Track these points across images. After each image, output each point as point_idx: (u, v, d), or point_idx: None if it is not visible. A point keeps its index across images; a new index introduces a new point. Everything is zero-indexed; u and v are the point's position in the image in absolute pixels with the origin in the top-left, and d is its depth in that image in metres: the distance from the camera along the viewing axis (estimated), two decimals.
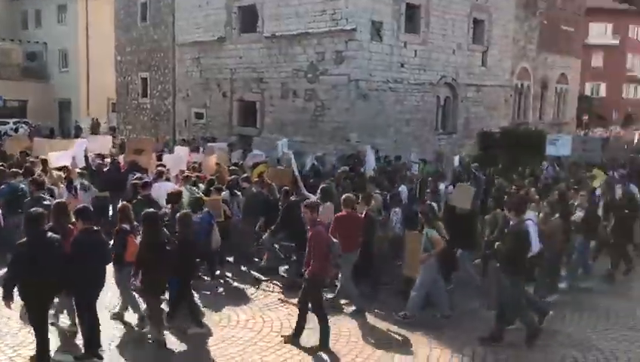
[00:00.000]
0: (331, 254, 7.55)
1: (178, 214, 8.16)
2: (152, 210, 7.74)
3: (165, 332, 7.46)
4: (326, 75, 20.00)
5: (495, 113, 26.13)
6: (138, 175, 11.93)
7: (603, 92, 56.23)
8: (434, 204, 9.62)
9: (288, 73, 21.06)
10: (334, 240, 7.78)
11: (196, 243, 8.24)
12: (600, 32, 55.45)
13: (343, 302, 8.95)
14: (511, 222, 7.79)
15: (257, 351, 7.30)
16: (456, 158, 17.64)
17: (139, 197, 9.88)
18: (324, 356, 7.20)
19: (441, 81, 22.90)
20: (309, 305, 7.46)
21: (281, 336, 7.60)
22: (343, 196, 9.07)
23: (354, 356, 7.23)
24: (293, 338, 7.47)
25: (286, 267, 10.58)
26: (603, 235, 10.87)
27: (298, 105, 20.90)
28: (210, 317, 8.33)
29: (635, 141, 28.09)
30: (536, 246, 7.93)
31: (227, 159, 15.78)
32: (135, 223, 7.90)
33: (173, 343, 7.42)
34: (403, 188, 12.16)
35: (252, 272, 10.42)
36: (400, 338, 7.83)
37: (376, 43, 19.91)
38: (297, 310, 7.65)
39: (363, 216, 9.10)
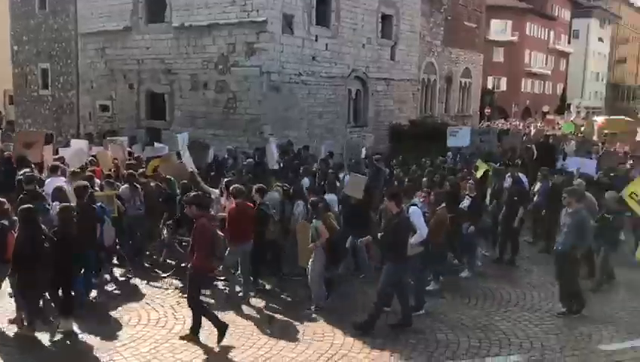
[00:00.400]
0: (216, 247, 7.41)
1: (57, 208, 7.77)
2: (28, 205, 7.26)
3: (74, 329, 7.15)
4: (237, 67, 19.79)
5: (404, 106, 26.91)
6: (27, 170, 11.17)
7: (504, 86, 59.21)
8: (333, 196, 9.87)
9: (198, 64, 20.64)
10: (219, 233, 7.71)
11: (78, 238, 7.68)
12: (500, 29, 58.32)
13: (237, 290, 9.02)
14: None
15: (170, 349, 7.14)
16: (363, 150, 17.99)
17: (24, 192, 9.33)
18: (236, 352, 7.16)
19: (352, 75, 23.29)
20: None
21: (180, 337, 7.42)
22: (232, 187, 9.05)
23: (257, 349, 7.25)
24: (193, 336, 7.31)
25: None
26: (488, 222, 11.33)
27: (209, 98, 20.55)
28: (120, 317, 8.09)
29: (532, 133, 29.84)
30: (424, 230, 8.17)
31: (124, 153, 15.23)
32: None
33: (82, 343, 7.14)
34: (305, 181, 12.19)
35: (157, 270, 10.13)
36: (308, 328, 7.92)
37: (287, 35, 19.92)
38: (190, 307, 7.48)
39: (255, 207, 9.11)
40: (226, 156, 16.53)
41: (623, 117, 30.66)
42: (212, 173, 12.96)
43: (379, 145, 24.24)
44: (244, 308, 8.61)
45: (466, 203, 10.46)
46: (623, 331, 7.95)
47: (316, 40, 21.17)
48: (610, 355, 7.16)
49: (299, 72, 20.60)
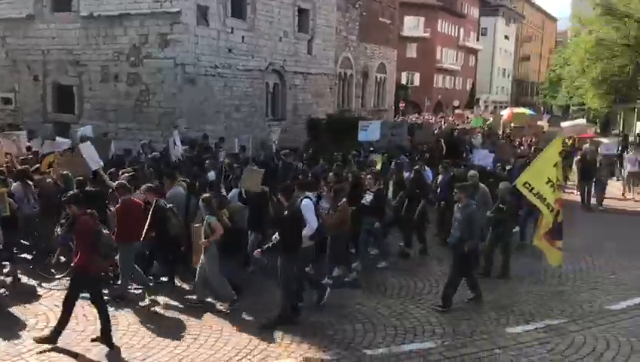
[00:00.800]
0: (99, 246, 7.12)
1: None
2: None
3: None
4: (151, 59, 19.19)
5: (321, 100, 27.10)
6: None
7: (417, 81, 60.97)
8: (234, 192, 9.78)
9: (109, 56, 19.83)
10: (105, 231, 7.49)
11: None
12: (413, 25, 59.98)
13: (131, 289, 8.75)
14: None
15: (83, 351, 6.86)
16: (274, 145, 17.93)
17: None
18: (152, 352, 6.98)
19: (270, 68, 23.18)
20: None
21: (92, 339, 7.14)
22: (116, 184, 8.76)
23: (173, 348, 7.11)
24: (103, 338, 7.03)
25: None
26: (390, 215, 11.44)
27: (121, 90, 19.81)
28: (26, 320, 7.71)
29: (443, 126, 30.98)
30: (313, 223, 8.24)
31: (19, 148, 14.41)
32: None
33: None
34: (211, 175, 11.99)
35: (53, 271, 9.63)
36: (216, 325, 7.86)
37: (202, 27, 19.53)
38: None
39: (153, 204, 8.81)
40: (140, 151, 16.04)
41: (526, 110, 32.34)
42: (112, 170, 12.25)
43: (299, 139, 24.40)
44: (156, 307, 8.38)
45: (368, 198, 10.40)
46: (527, 314, 8.42)
47: (232, 32, 20.89)
48: (516, 337, 7.55)
49: (215, 65, 20.26)
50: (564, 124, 28.17)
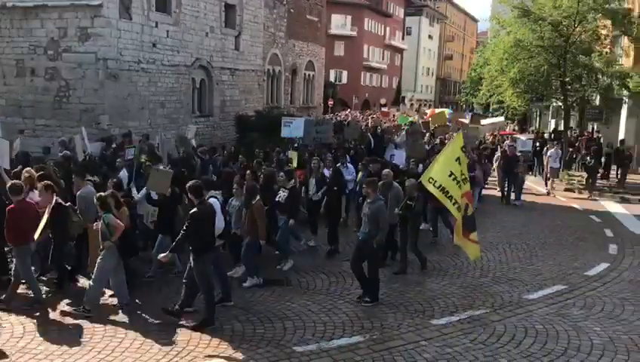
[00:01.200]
0: None
1: None
2: None
3: None
4: (70, 53, 18.38)
5: (250, 97, 26.91)
6: None
7: (345, 79, 61.64)
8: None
9: (24, 49, 18.84)
10: None
11: None
12: (341, 24, 60.57)
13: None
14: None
15: None
16: (194, 141, 17.61)
17: None
18: (74, 358, 6.72)
19: (196, 64, 22.78)
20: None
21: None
22: (8, 185, 8.29)
23: (97, 352, 6.89)
24: None
25: None
26: (304, 213, 11.60)
27: (38, 85, 18.87)
28: None
29: (370, 124, 31.42)
30: (220, 223, 8.23)
31: None
32: None
33: None
34: (124, 174, 11.55)
35: None
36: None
37: (125, 21, 18.91)
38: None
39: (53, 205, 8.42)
40: (60, 149, 15.33)
41: (445, 110, 33.34)
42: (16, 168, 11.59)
43: (227, 136, 24.14)
44: (70, 309, 8.06)
45: (282, 195, 10.34)
46: (451, 306, 8.70)
47: (156, 26, 20.35)
48: (441, 329, 7.78)
49: (138, 60, 19.66)
50: (484, 122, 29.29)
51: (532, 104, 31.40)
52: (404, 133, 23.11)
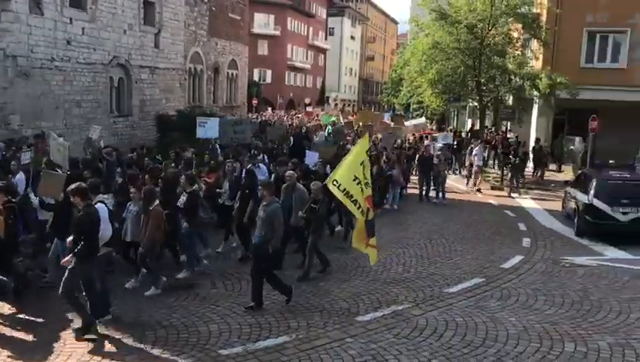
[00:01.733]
0: None
1: None
2: None
3: None
4: None
5: (171, 96, 26.31)
6: None
7: (269, 78, 61.48)
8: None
9: None
10: None
11: None
12: (264, 23, 60.35)
13: None
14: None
15: None
16: (102, 142, 16.93)
17: None
18: None
19: (114, 62, 22.02)
20: None
21: None
22: None
23: None
24: None
25: None
26: (202, 218, 11.07)
27: None
28: None
29: (295, 124, 31.57)
30: (107, 232, 7.87)
31: None
32: None
33: None
34: (20, 178, 10.83)
35: None
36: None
37: (36, 16, 17.98)
38: None
39: None
40: None
41: (370, 110, 33.98)
42: None
43: (148, 136, 23.47)
44: None
45: (182, 199, 9.96)
46: (376, 302, 8.86)
47: (71, 23, 19.48)
48: (365, 325, 7.91)
49: (52, 57, 18.75)
50: (407, 123, 30.05)
51: (450, 104, 32.45)
52: (321, 133, 23.21)
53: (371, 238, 8.89)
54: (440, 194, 18.31)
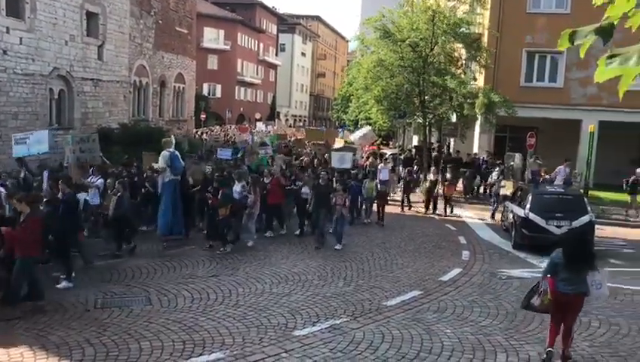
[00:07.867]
0: None
1: None
2: None
3: None
4: None
5: (114, 109, 25.79)
6: None
7: (219, 93, 61.10)
8: None
9: None
10: None
11: None
12: (213, 37, 60.06)
13: None
14: None
15: None
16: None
17: None
18: None
19: (54, 73, 21.44)
20: None
21: None
22: None
23: None
24: None
25: None
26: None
27: None
28: None
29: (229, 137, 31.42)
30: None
31: None
32: None
33: None
34: None
35: None
36: None
37: None
38: None
39: None
40: None
41: (317, 129, 34.20)
42: None
43: None
44: None
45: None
46: (314, 316, 8.81)
47: (7, 32, 18.91)
48: (302, 340, 7.84)
49: None
50: (354, 136, 30.27)
51: (395, 120, 32.91)
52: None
53: None
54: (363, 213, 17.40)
